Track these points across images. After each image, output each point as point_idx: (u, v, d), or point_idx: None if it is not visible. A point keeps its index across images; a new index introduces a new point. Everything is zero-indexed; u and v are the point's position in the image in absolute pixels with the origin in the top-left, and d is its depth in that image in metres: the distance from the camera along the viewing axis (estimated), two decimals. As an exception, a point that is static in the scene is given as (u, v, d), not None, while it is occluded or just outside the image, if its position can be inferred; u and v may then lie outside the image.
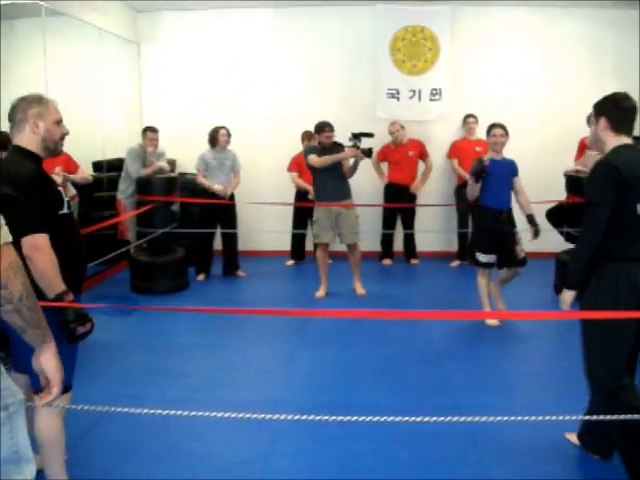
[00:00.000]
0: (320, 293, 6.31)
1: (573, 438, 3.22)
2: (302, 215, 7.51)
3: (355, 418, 2.13)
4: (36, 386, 2.57)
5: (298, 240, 7.94)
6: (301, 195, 7.43)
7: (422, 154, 7.77)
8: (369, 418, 2.12)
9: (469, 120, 7.72)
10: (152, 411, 2.26)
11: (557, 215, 6.51)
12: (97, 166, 7.35)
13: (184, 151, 7.38)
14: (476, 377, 4.34)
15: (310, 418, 2.19)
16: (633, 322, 2.68)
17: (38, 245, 2.37)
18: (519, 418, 2.24)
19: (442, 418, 2.12)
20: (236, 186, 7.09)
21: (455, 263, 7.77)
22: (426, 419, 2.16)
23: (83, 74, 7.16)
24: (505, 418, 2.21)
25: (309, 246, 7.83)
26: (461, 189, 7.67)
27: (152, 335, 5.25)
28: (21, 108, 2.55)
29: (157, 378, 4.30)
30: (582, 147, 6.37)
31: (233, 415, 2.34)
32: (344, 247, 6.42)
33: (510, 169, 5.30)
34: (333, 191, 6.12)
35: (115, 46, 7.73)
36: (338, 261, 7.18)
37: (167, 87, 8.31)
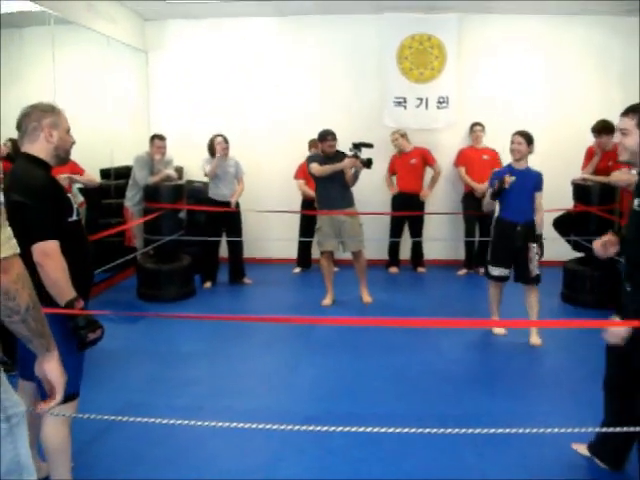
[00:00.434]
0: (326, 301, 6.30)
1: (581, 449, 3.17)
2: (309, 223, 7.51)
3: (362, 429, 2.12)
4: (43, 393, 2.58)
5: (304, 248, 7.94)
6: (308, 203, 7.42)
7: (427, 161, 7.74)
8: (376, 429, 2.12)
9: (476, 128, 7.71)
10: (159, 420, 2.27)
11: (564, 224, 6.50)
12: (105, 174, 7.38)
13: (191, 159, 7.40)
14: (483, 387, 4.32)
15: (317, 429, 2.19)
16: None
17: (49, 252, 2.39)
18: (527, 431, 2.23)
19: (449, 430, 2.11)
20: (241, 193, 7.10)
21: (462, 272, 7.75)
22: (433, 431, 2.16)
23: (91, 82, 7.19)
24: (513, 430, 2.20)
25: (316, 254, 7.83)
26: (468, 197, 7.67)
27: (158, 342, 5.26)
28: (35, 117, 2.56)
29: (163, 386, 4.30)
30: (590, 155, 6.35)
31: (240, 425, 2.33)
32: (350, 255, 6.41)
33: (532, 181, 5.05)
34: (335, 199, 6.12)
35: (123, 54, 7.76)
36: (344, 269, 7.18)
37: (175, 95, 8.34)
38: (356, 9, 7.70)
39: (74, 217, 2.62)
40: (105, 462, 3.26)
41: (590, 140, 6.27)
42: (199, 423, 2.36)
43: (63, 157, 2.68)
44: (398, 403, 4.01)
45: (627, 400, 2.74)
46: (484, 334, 5.20)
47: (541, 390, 4.27)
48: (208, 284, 7.13)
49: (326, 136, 6.10)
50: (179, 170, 7.61)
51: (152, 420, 2.29)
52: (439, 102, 7.87)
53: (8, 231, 1.51)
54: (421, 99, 7.88)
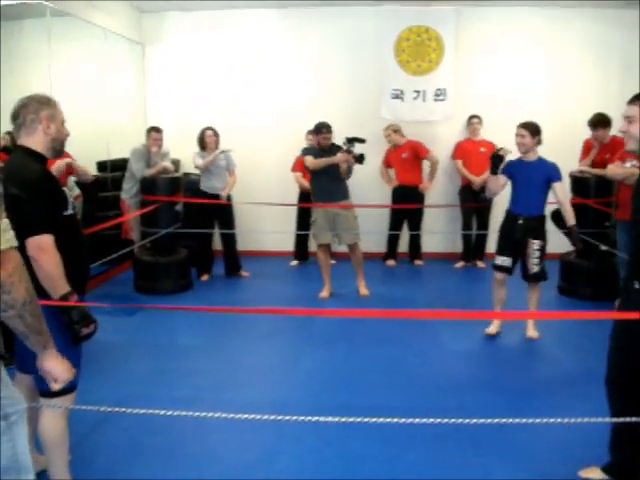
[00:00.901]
0: (324, 294, 6.31)
1: (592, 473, 2.93)
2: (306, 215, 7.50)
3: (360, 419, 2.13)
4: (40, 387, 2.58)
5: (302, 240, 7.94)
6: (305, 195, 7.42)
7: (419, 153, 7.68)
8: (374, 419, 2.12)
9: (473, 121, 7.70)
10: (157, 411, 2.27)
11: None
12: (101, 166, 7.36)
13: (188, 151, 7.36)
14: (482, 378, 4.34)
15: (314, 419, 2.19)
16: None
17: (43, 246, 2.38)
18: (524, 420, 2.24)
19: (446, 420, 2.12)
20: (233, 185, 7.09)
21: (459, 264, 7.76)
22: (430, 421, 2.16)
23: (88, 74, 7.17)
24: (510, 420, 2.20)
25: (313, 247, 7.83)
26: (465, 190, 7.67)
27: (156, 335, 5.26)
28: (32, 109, 2.55)
29: (162, 378, 4.30)
30: (587, 148, 6.35)
31: (238, 416, 2.34)
32: (346, 247, 6.41)
33: (542, 173, 4.85)
34: (330, 192, 6.12)
35: (120, 47, 7.73)
36: (342, 262, 7.18)
37: (171, 87, 8.32)
38: (354, 1, 7.67)
39: (69, 211, 2.61)
40: (103, 454, 3.26)
41: (588, 133, 6.26)
42: (197, 414, 2.36)
43: (59, 149, 2.68)
44: (396, 395, 4.01)
45: (633, 401, 2.65)
46: (481, 326, 5.20)
47: (539, 383, 4.28)
48: (205, 277, 7.13)
49: (321, 129, 6.09)
50: (176, 163, 7.60)
51: (150, 411, 2.29)
52: (436, 95, 7.87)
53: (5, 223, 1.50)
54: (418, 92, 7.87)
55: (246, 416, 2.29)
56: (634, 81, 7.21)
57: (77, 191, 6.05)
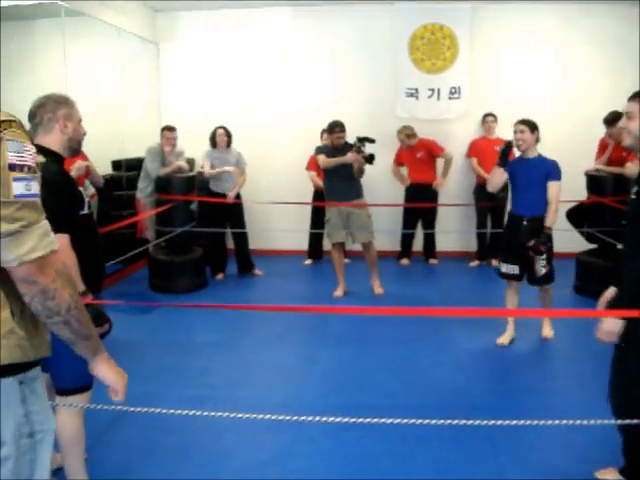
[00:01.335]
0: (338, 292, 6.30)
1: (608, 474, 2.90)
2: (320, 214, 7.48)
3: (376, 420, 2.12)
4: (57, 385, 2.59)
5: (316, 239, 7.92)
6: (319, 194, 7.40)
7: (433, 152, 7.68)
8: (390, 420, 2.11)
9: (488, 119, 7.66)
10: (172, 411, 2.27)
11: (577, 215, 6.45)
12: (116, 165, 7.39)
13: (202, 150, 7.39)
14: (495, 378, 4.32)
15: (330, 420, 2.18)
16: None
17: (59, 246, 2.39)
18: (535, 422, 2.22)
19: (463, 421, 2.10)
20: (242, 184, 7.09)
21: (474, 263, 7.72)
22: (445, 421, 2.15)
23: (102, 73, 7.20)
24: (521, 422, 2.19)
25: (327, 245, 7.82)
26: (480, 188, 7.63)
27: (171, 333, 5.27)
28: (50, 107, 2.56)
29: (176, 377, 4.31)
30: (603, 146, 6.31)
31: (252, 416, 2.33)
32: (360, 246, 6.39)
33: (542, 170, 4.65)
34: (343, 191, 6.11)
35: (134, 46, 7.76)
36: (356, 260, 7.16)
37: (186, 86, 8.34)
38: (368, -1, 7.67)
39: (85, 210, 2.63)
40: (118, 452, 3.27)
41: (603, 131, 6.21)
42: (212, 413, 2.36)
43: (75, 148, 2.68)
44: (409, 395, 4.00)
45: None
46: (495, 326, 5.16)
47: (554, 382, 4.26)
48: (220, 276, 7.14)
49: (334, 128, 6.08)
50: (190, 162, 7.61)
51: (165, 410, 2.29)
52: (451, 93, 7.84)
53: (44, 226, 1.46)
54: (433, 90, 7.84)
55: (261, 416, 2.28)
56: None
57: (92, 190, 6.07)
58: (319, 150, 6.25)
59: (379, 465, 3.14)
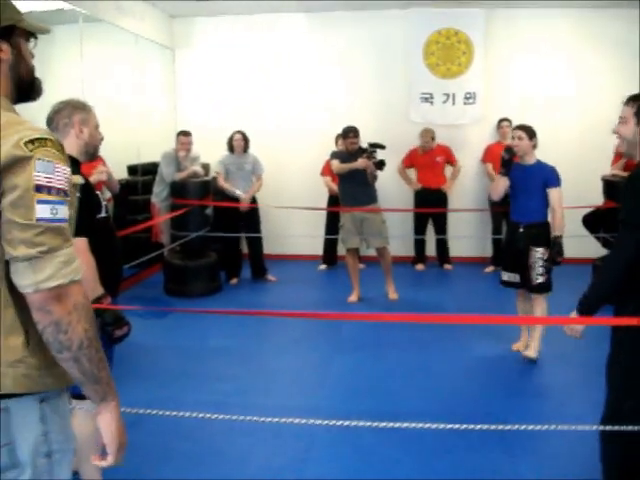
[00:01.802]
0: (352, 298, 6.29)
1: None
2: (335, 220, 7.48)
3: (391, 425, 2.11)
4: (73, 389, 2.59)
5: (330, 244, 7.92)
6: (334, 199, 7.40)
7: (450, 160, 7.75)
8: (405, 425, 2.10)
9: (503, 124, 7.64)
10: (187, 414, 2.27)
11: (593, 221, 6.41)
12: (132, 170, 7.43)
13: (217, 155, 7.41)
14: (510, 384, 4.29)
15: (345, 424, 2.18)
16: None
17: (77, 249, 2.39)
18: (559, 427, 2.20)
19: (479, 426, 2.09)
20: (258, 190, 7.11)
21: (489, 269, 7.68)
22: (461, 426, 2.14)
23: (119, 79, 7.24)
24: (539, 427, 2.17)
25: (342, 251, 7.82)
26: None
27: (186, 338, 5.29)
28: (67, 113, 2.59)
29: (191, 381, 4.32)
30: (619, 151, 6.26)
31: (268, 420, 2.33)
32: (375, 251, 6.39)
33: (540, 177, 4.54)
34: (356, 196, 6.12)
35: (150, 51, 7.81)
36: (370, 266, 7.15)
37: (201, 92, 8.38)
38: (382, 4, 7.66)
39: (102, 214, 2.65)
40: (133, 456, 3.26)
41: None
42: (227, 417, 2.36)
43: (92, 153, 2.71)
44: (426, 401, 3.98)
45: None
46: (510, 332, 5.13)
47: (570, 388, 4.22)
48: (235, 280, 7.15)
49: (348, 133, 6.10)
50: (206, 167, 7.64)
51: (181, 414, 2.30)
52: (466, 98, 7.82)
53: (67, 254, 1.37)
54: (448, 95, 7.82)
55: (276, 419, 2.28)
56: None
57: (108, 194, 6.11)
58: (334, 155, 6.27)
59: (395, 471, 3.12)
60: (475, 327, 5.25)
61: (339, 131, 6.60)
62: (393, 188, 7.77)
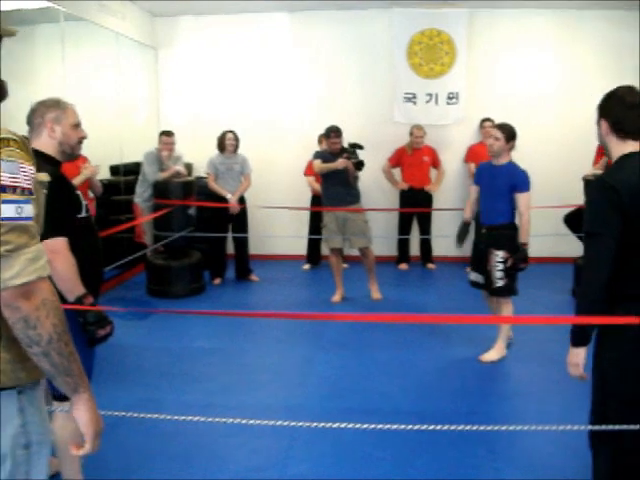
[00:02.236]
0: (336, 298, 6.29)
1: None
2: (318, 219, 7.49)
3: (373, 426, 2.11)
4: (53, 390, 2.58)
5: (314, 244, 7.92)
6: (317, 199, 7.41)
7: (435, 162, 7.80)
8: (387, 426, 2.11)
9: (486, 124, 7.67)
10: (169, 416, 2.26)
11: (575, 220, 6.46)
12: (114, 170, 7.39)
13: (201, 155, 7.39)
14: (494, 383, 4.32)
15: (328, 425, 2.18)
16: None
17: (57, 249, 2.39)
18: (539, 428, 2.22)
19: (462, 427, 2.10)
20: (246, 190, 7.08)
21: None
22: (443, 427, 2.14)
23: (101, 78, 7.20)
24: (525, 428, 2.19)
25: (325, 250, 7.83)
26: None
27: (168, 339, 5.26)
28: (39, 112, 2.57)
29: (174, 382, 4.30)
30: (601, 151, 6.31)
31: (250, 421, 2.33)
32: (358, 251, 6.40)
33: (509, 179, 4.40)
34: (339, 197, 6.12)
35: (133, 51, 7.77)
36: (354, 265, 7.17)
37: (184, 91, 8.35)
38: (366, 4, 7.68)
39: (83, 214, 2.61)
40: (115, 457, 3.26)
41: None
42: (210, 419, 2.35)
43: (69, 153, 2.65)
44: (408, 400, 4.00)
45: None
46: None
47: (552, 388, 4.25)
48: (218, 280, 7.14)
49: (330, 133, 6.10)
50: (188, 166, 7.62)
51: (162, 416, 2.29)
52: (449, 98, 7.85)
53: (34, 252, 1.38)
54: (431, 95, 7.86)
55: (259, 422, 2.28)
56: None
57: (91, 194, 6.08)
58: (316, 155, 6.28)
59: (377, 469, 3.14)
60: (457, 327, 5.27)
61: (322, 131, 6.60)
62: (378, 188, 7.79)
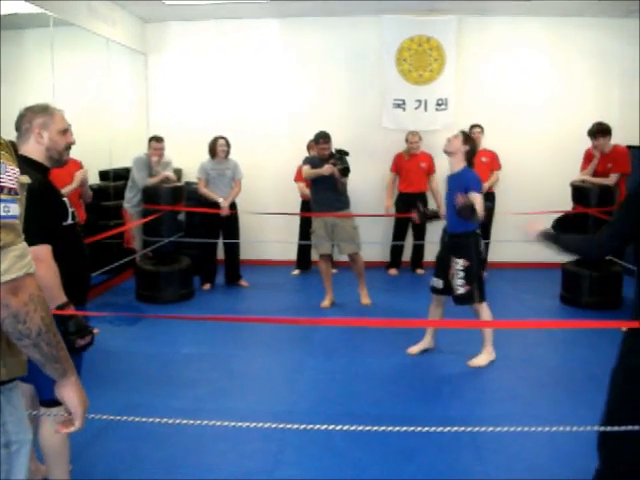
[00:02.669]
0: (325, 303, 6.30)
1: None
2: (308, 225, 7.50)
3: (361, 428, 2.12)
4: (41, 396, 2.57)
5: (304, 250, 7.93)
6: (307, 204, 7.42)
7: (430, 169, 7.77)
8: (375, 428, 2.11)
9: (474, 130, 7.68)
10: (157, 420, 2.26)
11: (563, 225, 6.49)
12: (104, 175, 7.37)
13: (190, 160, 7.38)
14: (482, 387, 4.33)
15: (316, 428, 2.19)
16: None
17: (40, 256, 2.36)
18: (525, 429, 2.23)
19: (448, 428, 2.11)
20: (236, 195, 7.07)
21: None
22: (432, 429, 2.15)
23: (91, 84, 7.19)
24: (512, 429, 2.20)
25: (315, 256, 7.83)
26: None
27: (157, 344, 5.25)
28: (27, 118, 2.55)
29: (163, 387, 4.29)
30: (588, 157, 6.35)
31: (239, 424, 2.33)
32: (347, 257, 6.41)
33: (462, 184, 4.55)
34: (327, 202, 6.13)
35: (122, 56, 7.77)
36: (344, 271, 7.18)
37: (174, 97, 8.35)
38: (355, 11, 7.71)
39: (69, 221, 2.59)
40: (104, 463, 3.26)
41: (589, 142, 6.27)
42: (198, 422, 2.36)
43: (57, 158, 2.62)
44: (397, 404, 4.01)
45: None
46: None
47: (540, 391, 4.27)
48: (207, 286, 7.13)
49: (319, 139, 6.12)
50: (178, 172, 7.61)
51: (151, 420, 2.28)
52: (438, 104, 7.89)
53: (20, 249, 1.43)
54: (420, 101, 7.90)
55: (247, 424, 2.28)
56: (635, 90, 7.24)
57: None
58: (305, 161, 6.29)
59: (367, 474, 3.14)
60: (447, 330, 5.28)
61: (312, 137, 6.62)
62: (369, 193, 7.80)
